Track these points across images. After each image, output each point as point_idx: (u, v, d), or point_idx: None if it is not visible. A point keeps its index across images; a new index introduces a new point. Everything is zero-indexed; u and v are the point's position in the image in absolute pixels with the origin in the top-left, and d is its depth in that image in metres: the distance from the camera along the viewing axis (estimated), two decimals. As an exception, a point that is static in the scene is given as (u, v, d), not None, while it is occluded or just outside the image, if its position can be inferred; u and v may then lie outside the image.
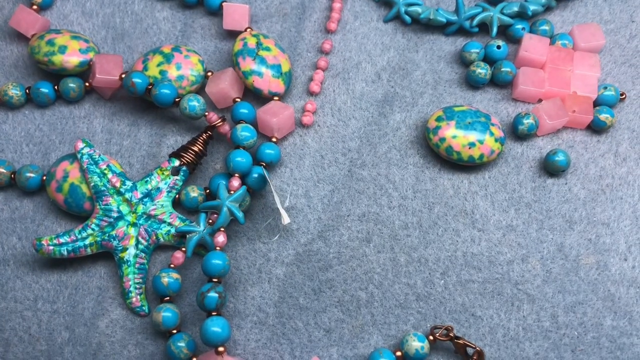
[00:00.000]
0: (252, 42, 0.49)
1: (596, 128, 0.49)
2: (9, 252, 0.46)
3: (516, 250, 0.46)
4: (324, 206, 0.47)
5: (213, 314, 0.41)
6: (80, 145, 0.46)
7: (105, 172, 0.46)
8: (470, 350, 0.43)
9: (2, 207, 0.47)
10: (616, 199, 0.47)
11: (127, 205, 0.45)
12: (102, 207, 0.45)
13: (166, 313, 0.42)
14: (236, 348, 0.43)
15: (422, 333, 0.43)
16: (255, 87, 0.49)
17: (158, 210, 0.46)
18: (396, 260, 0.46)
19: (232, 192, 0.45)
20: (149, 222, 0.45)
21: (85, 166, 0.46)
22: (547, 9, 0.53)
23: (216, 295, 0.41)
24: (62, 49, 0.49)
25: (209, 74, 0.50)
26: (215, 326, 0.40)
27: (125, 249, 0.44)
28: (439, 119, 0.47)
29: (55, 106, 0.51)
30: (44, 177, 0.47)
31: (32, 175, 0.47)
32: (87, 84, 0.50)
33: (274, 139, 0.48)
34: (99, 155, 0.46)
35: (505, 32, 0.52)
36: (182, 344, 0.41)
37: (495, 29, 0.51)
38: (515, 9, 0.51)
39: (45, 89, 0.50)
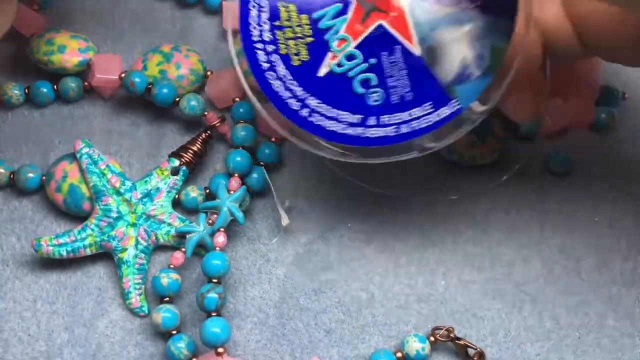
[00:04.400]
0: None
1: (598, 128, 0.49)
2: (8, 252, 0.46)
3: (518, 251, 0.46)
4: (324, 206, 0.47)
5: (213, 314, 0.41)
6: (80, 145, 0.46)
7: (105, 172, 0.46)
8: (471, 351, 0.43)
9: (1, 207, 0.47)
10: (618, 199, 0.47)
11: (127, 206, 0.45)
12: (102, 207, 0.45)
13: (166, 314, 0.42)
14: (236, 349, 0.43)
15: (422, 334, 0.42)
16: (255, 86, 0.48)
17: (158, 211, 0.45)
18: (397, 260, 0.45)
19: (231, 192, 0.45)
20: (149, 222, 0.45)
21: (84, 166, 0.46)
22: (549, 8, 0.52)
23: (216, 295, 0.41)
24: (62, 48, 0.49)
25: (209, 73, 0.50)
26: (215, 327, 0.40)
27: (124, 250, 0.44)
28: (440, 119, 0.47)
29: (55, 106, 0.50)
30: (43, 177, 0.47)
31: (31, 175, 0.46)
32: (86, 83, 0.50)
33: (274, 139, 0.48)
34: (99, 155, 0.46)
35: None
36: (181, 345, 0.41)
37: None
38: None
39: (45, 89, 0.50)
